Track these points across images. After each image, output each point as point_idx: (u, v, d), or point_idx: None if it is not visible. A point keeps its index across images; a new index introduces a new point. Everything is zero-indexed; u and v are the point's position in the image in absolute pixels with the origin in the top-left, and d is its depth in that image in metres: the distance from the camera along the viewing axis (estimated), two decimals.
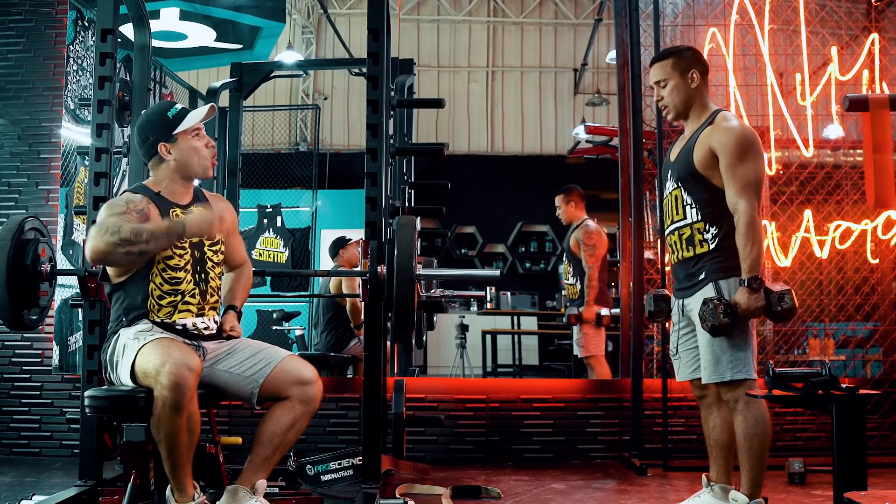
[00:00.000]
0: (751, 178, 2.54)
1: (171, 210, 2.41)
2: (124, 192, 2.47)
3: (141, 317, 2.33)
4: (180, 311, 2.36)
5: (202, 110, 2.46)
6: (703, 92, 2.72)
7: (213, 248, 2.49)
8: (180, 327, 2.36)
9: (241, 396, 2.38)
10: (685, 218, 2.68)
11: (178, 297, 2.36)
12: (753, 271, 2.49)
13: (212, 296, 2.47)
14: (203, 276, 2.43)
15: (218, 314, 2.51)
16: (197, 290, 2.40)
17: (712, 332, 2.51)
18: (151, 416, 2.11)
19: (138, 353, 2.18)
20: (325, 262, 7.97)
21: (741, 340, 2.55)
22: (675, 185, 2.71)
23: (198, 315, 2.40)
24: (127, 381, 2.23)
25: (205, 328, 2.42)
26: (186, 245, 2.38)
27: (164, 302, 2.34)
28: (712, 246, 2.61)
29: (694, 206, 2.65)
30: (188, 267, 2.39)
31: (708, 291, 2.58)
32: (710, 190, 2.61)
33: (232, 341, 2.45)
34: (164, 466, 2.17)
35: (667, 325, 3.12)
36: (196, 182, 2.57)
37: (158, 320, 2.33)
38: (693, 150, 2.64)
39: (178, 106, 2.48)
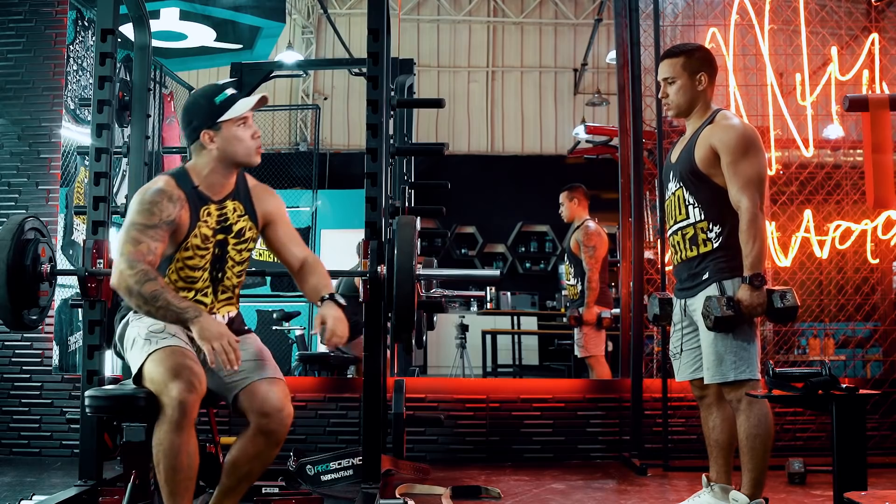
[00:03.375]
0: (753, 176, 2.54)
1: (204, 208, 2.26)
2: (165, 176, 2.28)
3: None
4: None
5: (252, 99, 2.29)
6: (707, 94, 2.72)
7: (238, 248, 2.35)
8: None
9: (223, 398, 2.28)
10: (688, 218, 2.68)
11: (191, 294, 2.27)
12: (755, 269, 2.49)
13: (223, 293, 2.34)
14: (220, 274, 2.32)
15: (236, 309, 2.39)
16: (210, 289, 2.30)
17: (716, 325, 2.50)
18: (152, 436, 2.04)
19: (147, 359, 2.10)
20: (325, 262, 7.99)
21: (744, 340, 2.55)
22: (678, 185, 2.71)
23: (209, 312, 2.29)
24: (132, 376, 2.18)
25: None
26: (210, 246, 2.28)
27: None
28: (716, 245, 2.61)
29: (697, 205, 2.65)
30: (206, 266, 2.29)
31: (711, 291, 2.58)
32: (713, 189, 2.61)
33: (245, 341, 2.30)
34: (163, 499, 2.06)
35: (667, 327, 3.12)
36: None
37: None
38: (694, 150, 2.64)
39: (228, 91, 2.30)
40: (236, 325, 2.38)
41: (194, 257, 2.26)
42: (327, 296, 2.31)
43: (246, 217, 2.36)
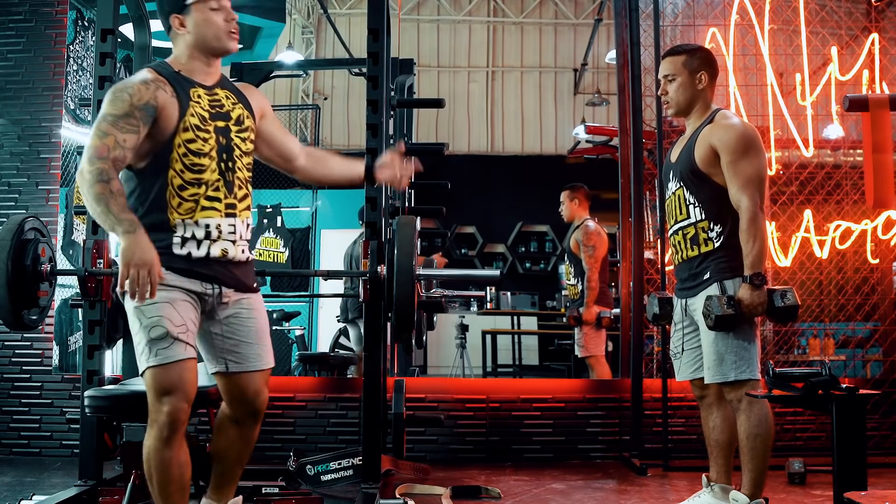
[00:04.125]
0: (753, 175, 2.54)
1: (193, 90, 2.12)
2: (144, 68, 2.17)
3: (157, 220, 2.04)
4: (204, 209, 2.08)
5: None
6: (707, 94, 2.73)
7: (242, 136, 2.19)
8: (202, 234, 2.07)
9: (205, 359, 2.21)
10: (689, 217, 2.68)
11: (202, 190, 2.08)
12: (756, 268, 2.49)
13: (240, 188, 2.15)
14: (230, 164, 2.13)
15: (251, 219, 2.22)
16: (222, 182, 2.10)
17: (717, 324, 2.50)
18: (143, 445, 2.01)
19: (146, 371, 2.02)
20: (325, 262, 7.99)
21: (745, 340, 2.55)
22: (678, 185, 2.71)
23: (226, 214, 2.11)
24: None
25: (233, 240, 2.13)
26: (210, 129, 2.11)
27: (185, 194, 2.06)
28: (717, 244, 2.61)
29: (697, 205, 2.65)
30: (213, 154, 2.10)
31: (712, 291, 2.58)
32: (714, 188, 2.61)
33: (250, 306, 2.20)
34: None
35: (667, 327, 3.12)
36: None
37: (179, 219, 2.05)
38: (694, 149, 2.64)
39: None
40: (249, 272, 2.23)
41: (196, 140, 2.08)
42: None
43: (240, 105, 2.22)
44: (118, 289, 1.92)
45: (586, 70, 9.53)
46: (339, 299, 5.35)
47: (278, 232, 7.74)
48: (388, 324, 2.98)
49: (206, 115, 2.12)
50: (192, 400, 2.03)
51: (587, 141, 8.33)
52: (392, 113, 3.60)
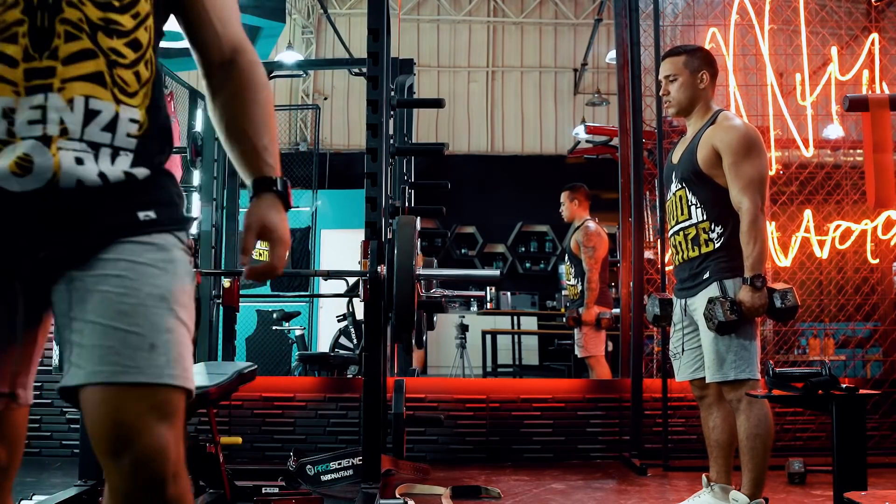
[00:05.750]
0: (754, 176, 2.54)
1: None
2: None
3: None
4: None
5: None
6: (708, 94, 2.74)
7: None
8: None
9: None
10: (690, 218, 2.68)
11: None
12: (756, 269, 2.50)
13: (73, 40, 1.05)
14: (51, 5, 1.04)
15: (141, 112, 1.12)
16: (25, 28, 1.03)
17: (719, 329, 2.51)
18: None
19: None
20: (325, 262, 7.99)
21: (745, 340, 2.56)
22: (680, 186, 2.71)
23: (28, 91, 1.03)
24: None
25: (46, 135, 1.03)
26: None
27: None
28: (718, 245, 2.61)
29: (699, 205, 2.66)
30: None
31: (712, 291, 2.59)
32: (715, 189, 2.62)
33: (117, 271, 1.06)
34: None
35: (667, 328, 3.12)
36: None
37: None
38: (696, 150, 2.65)
39: None
40: (111, 202, 1.09)
41: None
42: (262, 178, 1.28)
43: None
44: None
45: (586, 70, 9.53)
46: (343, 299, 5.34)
47: None
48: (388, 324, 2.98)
49: None
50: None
51: (587, 141, 8.33)
52: (392, 113, 3.60)
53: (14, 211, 1.04)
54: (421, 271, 2.69)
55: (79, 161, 1.05)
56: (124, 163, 1.10)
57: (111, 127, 1.08)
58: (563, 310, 6.70)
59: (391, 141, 3.62)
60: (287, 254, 1.33)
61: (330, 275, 2.96)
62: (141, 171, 1.12)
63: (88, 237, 1.07)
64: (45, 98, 1.03)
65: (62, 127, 1.04)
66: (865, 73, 4.20)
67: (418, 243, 2.82)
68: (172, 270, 1.11)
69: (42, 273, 1.08)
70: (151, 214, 1.12)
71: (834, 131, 4.61)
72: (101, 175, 1.07)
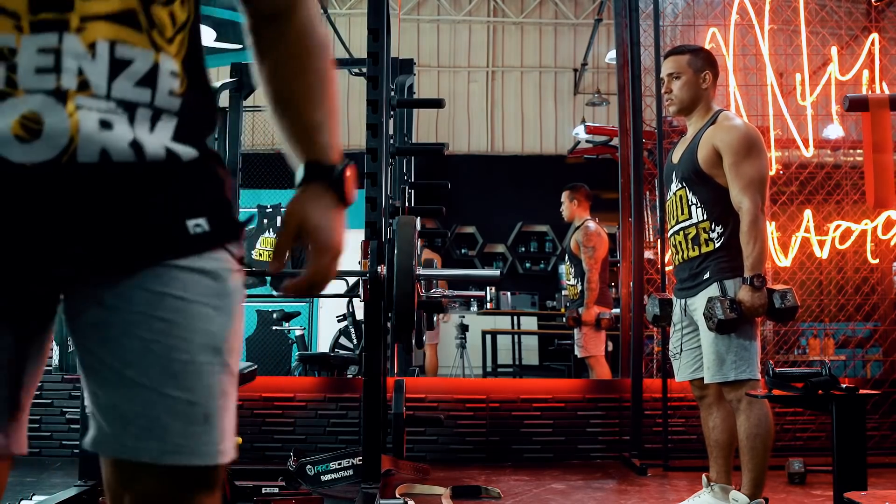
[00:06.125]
0: (755, 176, 2.55)
1: None
2: None
3: None
4: None
5: None
6: (710, 94, 2.75)
7: None
8: None
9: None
10: (691, 218, 2.68)
11: None
12: (756, 269, 2.50)
13: None
14: None
15: (152, 55, 0.83)
16: None
17: (719, 328, 2.51)
18: None
19: None
20: None
21: (745, 340, 2.56)
22: (680, 186, 2.72)
23: (35, 28, 0.77)
24: None
25: (61, 89, 0.77)
26: None
27: None
28: (718, 245, 2.62)
29: (699, 205, 2.66)
30: None
31: (712, 291, 2.59)
32: (716, 189, 2.62)
33: (162, 312, 0.82)
34: None
35: (667, 328, 3.12)
36: None
37: None
38: (697, 150, 2.65)
39: None
40: (143, 197, 0.82)
41: None
42: (313, 162, 1.10)
43: None
44: None
45: (586, 70, 9.52)
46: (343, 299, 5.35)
47: (278, 232, 7.76)
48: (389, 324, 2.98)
49: None
50: None
51: (587, 141, 8.33)
52: (392, 113, 3.60)
53: (13, 198, 0.76)
54: (421, 271, 2.69)
55: (105, 124, 0.78)
56: (166, 132, 0.83)
57: (149, 80, 0.81)
58: (563, 310, 6.70)
59: (391, 141, 3.62)
60: (337, 263, 1.09)
61: None
62: (186, 151, 0.85)
63: (119, 251, 0.80)
64: (58, 39, 0.76)
65: (81, 79, 0.77)
66: (865, 73, 4.21)
67: (418, 243, 2.82)
68: (228, 309, 0.87)
69: (49, 297, 0.84)
70: (203, 224, 0.85)
71: (834, 131, 4.61)
72: (135, 145, 0.79)
